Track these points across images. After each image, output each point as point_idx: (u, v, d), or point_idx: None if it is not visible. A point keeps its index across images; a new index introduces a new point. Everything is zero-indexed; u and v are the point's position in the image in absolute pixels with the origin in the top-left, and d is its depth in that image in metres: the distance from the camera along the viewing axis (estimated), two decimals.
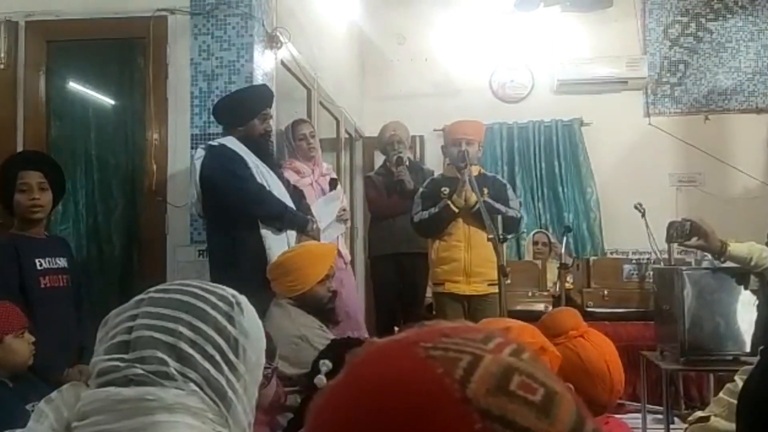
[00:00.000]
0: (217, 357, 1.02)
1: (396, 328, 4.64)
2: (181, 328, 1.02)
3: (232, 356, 1.04)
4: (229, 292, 1.10)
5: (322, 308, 2.85)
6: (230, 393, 1.02)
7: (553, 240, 5.35)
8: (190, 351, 1.01)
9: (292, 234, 3.31)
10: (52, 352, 2.62)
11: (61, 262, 2.86)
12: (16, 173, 2.78)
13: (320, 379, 1.70)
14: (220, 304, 1.07)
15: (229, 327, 1.05)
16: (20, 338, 2.38)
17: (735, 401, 1.96)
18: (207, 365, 1.01)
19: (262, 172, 3.31)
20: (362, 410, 0.47)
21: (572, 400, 0.48)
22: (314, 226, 3.43)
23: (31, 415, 1.04)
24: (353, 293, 4.12)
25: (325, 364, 1.68)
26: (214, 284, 1.11)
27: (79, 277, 2.99)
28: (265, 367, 1.17)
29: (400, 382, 0.47)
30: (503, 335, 0.50)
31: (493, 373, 0.47)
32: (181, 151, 3.69)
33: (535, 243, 5.30)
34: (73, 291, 2.90)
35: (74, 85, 4.11)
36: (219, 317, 1.05)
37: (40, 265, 2.78)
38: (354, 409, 0.47)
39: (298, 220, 3.35)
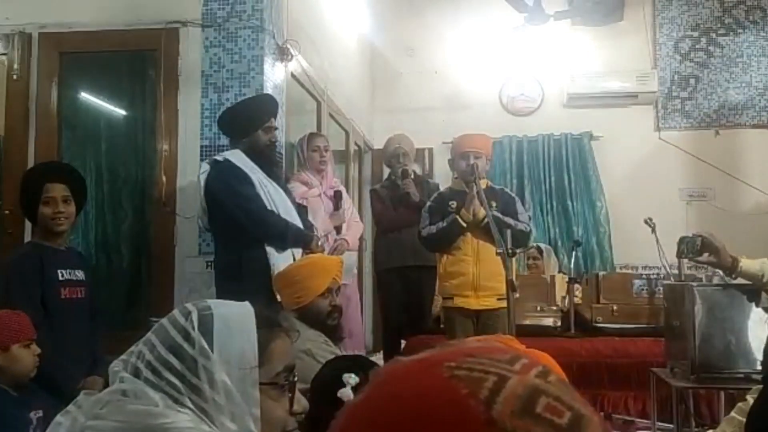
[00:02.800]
0: (176, 382, 0.97)
1: (402, 342, 4.61)
2: (144, 349, 0.99)
3: (194, 380, 0.97)
4: (198, 304, 1.04)
5: (324, 322, 2.74)
6: (206, 418, 0.98)
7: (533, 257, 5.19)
8: (150, 377, 0.97)
9: (298, 250, 3.29)
10: (69, 363, 2.63)
11: (80, 274, 2.87)
12: (42, 185, 2.79)
13: (345, 393, 1.64)
14: (179, 318, 1.01)
15: (185, 346, 0.99)
16: (26, 349, 2.39)
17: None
18: (168, 390, 0.97)
19: (265, 186, 3.30)
20: (384, 431, 0.46)
21: (599, 423, 0.47)
22: (319, 242, 3.41)
23: (35, 424, 1.04)
24: (357, 311, 4.10)
25: (352, 377, 1.62)
26: (201, 300, 1.07)
27: (92, 289, 3.00)
28: (283, 377, 1.10)
29: (424, 402, 0.45)
30: (529, 356, 0.49)
31: (519, 395, 0.45)
32: (190, 163, 3.70)
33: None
34: (88, 303, 2.91)
35: (86, 96, 4.13)
36: (177, 336, 0.99)
37: (62, 276, 2.79)
38: (376, 429, 0.46)
39: (302, 237, 3.33)
